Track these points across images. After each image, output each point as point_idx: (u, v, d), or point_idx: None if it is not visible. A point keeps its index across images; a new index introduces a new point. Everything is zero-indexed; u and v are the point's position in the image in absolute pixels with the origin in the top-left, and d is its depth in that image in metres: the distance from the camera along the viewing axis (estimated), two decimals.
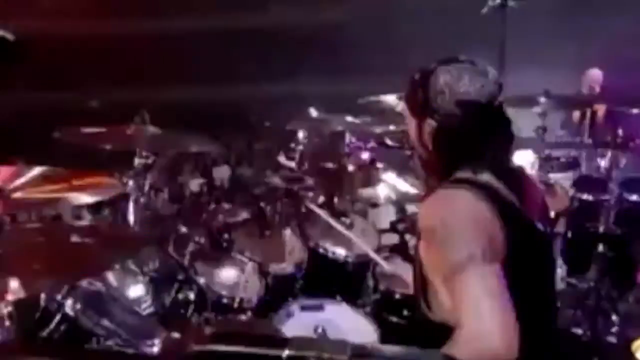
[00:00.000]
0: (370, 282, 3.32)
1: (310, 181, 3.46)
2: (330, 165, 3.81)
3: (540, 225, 2.19)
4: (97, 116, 3.16)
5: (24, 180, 2.39)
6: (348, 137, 3.84)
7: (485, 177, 2.12)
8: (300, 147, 3.67)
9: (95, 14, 4.34)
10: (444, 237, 2.01)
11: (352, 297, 3.19)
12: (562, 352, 2.54)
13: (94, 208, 3.39)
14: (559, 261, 3.83)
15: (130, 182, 2.94)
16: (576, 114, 5.03)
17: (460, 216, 2.03)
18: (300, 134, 3.66)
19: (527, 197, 2.20)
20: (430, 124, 2.15)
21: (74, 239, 2.21)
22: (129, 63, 4.35)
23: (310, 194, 3.43)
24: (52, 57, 4.22)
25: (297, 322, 2.94)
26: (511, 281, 2.00)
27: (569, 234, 3.87)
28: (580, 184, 3.99)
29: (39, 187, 2.41)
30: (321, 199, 3.55)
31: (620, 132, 3.76)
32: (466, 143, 2.14)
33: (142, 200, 2.88)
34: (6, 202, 2.28)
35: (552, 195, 3.79)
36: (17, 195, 2.33)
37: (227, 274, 3.16)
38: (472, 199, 2.05)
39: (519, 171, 2.30)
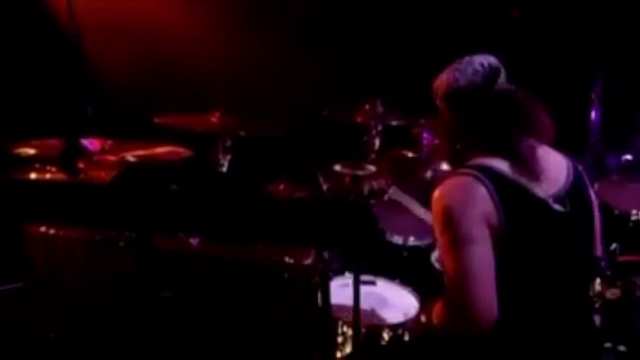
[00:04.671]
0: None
1: (373, 168, 3.82)
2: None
3: (557, 206, 2.37)
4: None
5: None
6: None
7: (492, 161, 2.36)
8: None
9: None
10: (441, 219, 2.32)
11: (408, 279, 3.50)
12: None
13: None
14: None
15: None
16: None
17: (457, 202, 2.30)
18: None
19: (548, 179, 2.38)
20: (441, 112, 2.46)
21: None
22: None
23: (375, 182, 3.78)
24: None
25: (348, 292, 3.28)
26: (507, 257, 2.29)
27: None
28: None
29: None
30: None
31: None
32: (468, 128, 2.40)
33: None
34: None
35: None
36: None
37: None
38: (471, 185, 2.31)
39: (546, 154, 2.45)
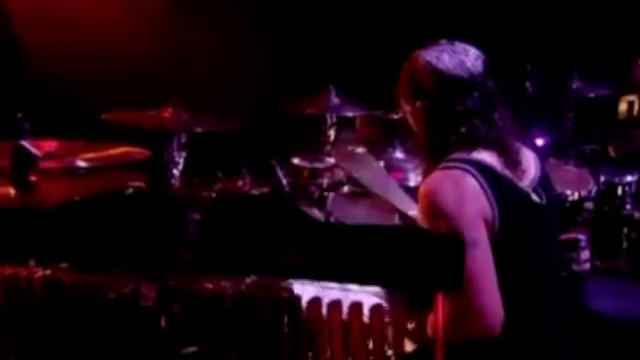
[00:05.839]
0: None
1: (332, 161, 3.77)
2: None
3: (536, 198, 2.30)
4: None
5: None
6: None
7: (479, 154, 2.25)
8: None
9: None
10: (435, 218, 2.15)
11: None
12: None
13: None
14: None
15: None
16: None
17: (451, 200, 2.14)
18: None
19: (526, 172, 2.30)
20: (419, 106, 2.31)
21: None
22: None
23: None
24: None
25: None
26: (502, 254, 2.17)
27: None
28: None
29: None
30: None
31: None
32: (454, 121, 2.26)
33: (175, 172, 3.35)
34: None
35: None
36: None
37: None
38: (463, 179, 2.17)
39: (521, 148, 2.36)
